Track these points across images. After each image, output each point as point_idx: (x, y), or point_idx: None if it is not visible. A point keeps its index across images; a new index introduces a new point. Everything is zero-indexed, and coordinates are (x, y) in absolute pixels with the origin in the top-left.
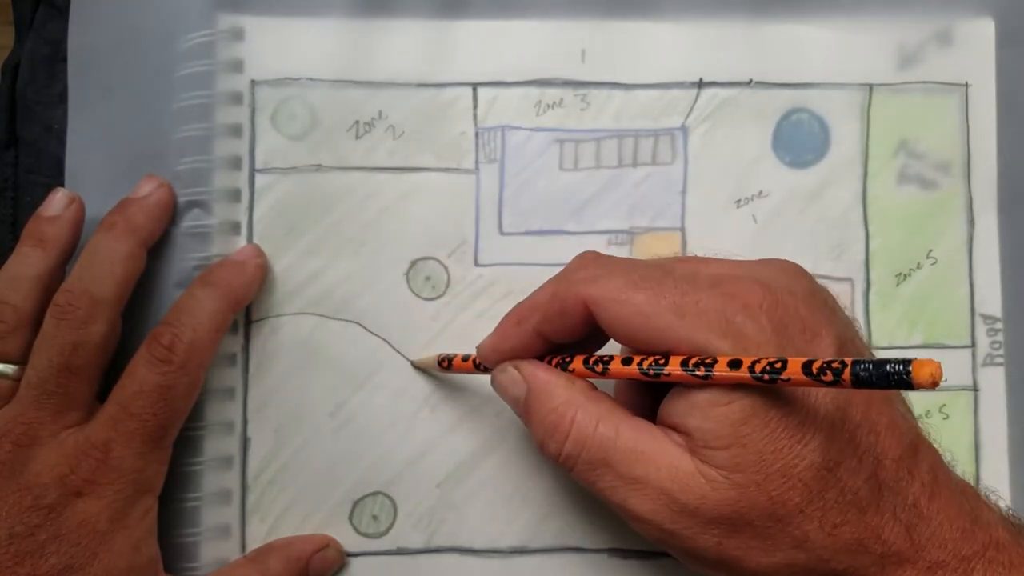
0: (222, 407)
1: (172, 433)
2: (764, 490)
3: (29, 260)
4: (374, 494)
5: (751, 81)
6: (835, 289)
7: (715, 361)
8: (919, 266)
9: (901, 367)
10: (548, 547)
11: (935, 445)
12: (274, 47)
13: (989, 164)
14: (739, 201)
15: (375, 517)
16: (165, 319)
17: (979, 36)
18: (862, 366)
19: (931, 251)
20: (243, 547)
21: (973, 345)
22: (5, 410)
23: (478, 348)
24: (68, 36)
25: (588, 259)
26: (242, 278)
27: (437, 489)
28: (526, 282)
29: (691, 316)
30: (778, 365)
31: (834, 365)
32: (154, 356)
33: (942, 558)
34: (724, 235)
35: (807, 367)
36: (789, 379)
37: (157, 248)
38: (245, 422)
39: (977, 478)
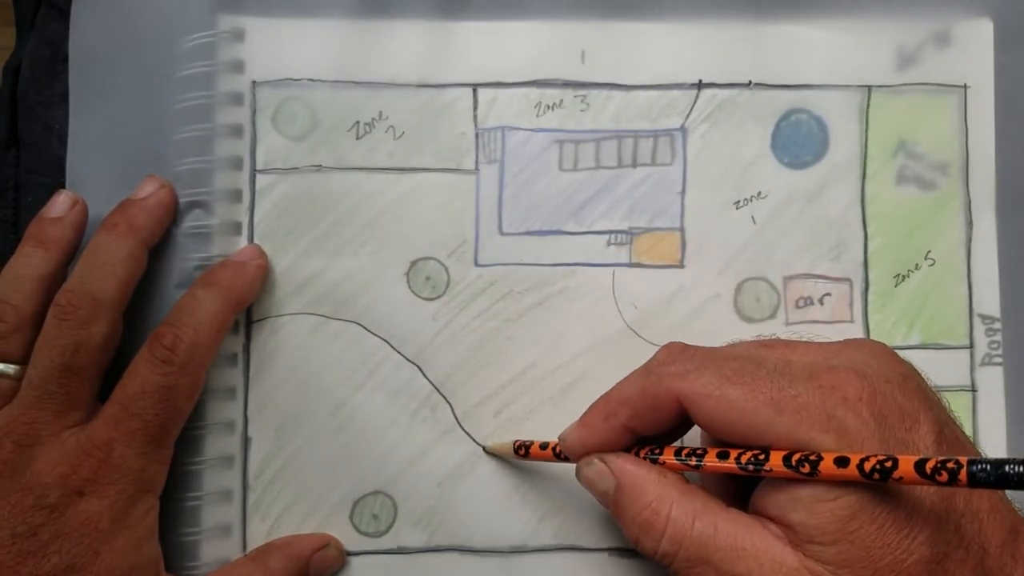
0: (223, 407)
1: (173, 433)
2: None
3: (31, 261)
4: (374, 493)
5: (750, 82)
6: (834, 289)
7: (820, 458)
8: (917, 266)
9: (1021, 468)
10: (547, 546)
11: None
12: (275, 48)
13: (987, 165)
14: (738, 202)
15: (375, 516)
16: (167, 319)
17: (977, 37)
18: (979, 467)
19: (929, 251)
20: (244, 546)
21: (971, 345)
22: (6, 410)
23: (562, 439)
24: (69, 37)
25: (676, 351)
26: (243, 278)
27: (437, 489)
28: (526, 282)
29: (790, 411)
30: (888, 464)
31: (949, 465)
32: (156, 356)
33: None
34: (723, 236)
35: (920, 467)
36: (901, 478)
37: (158, 248)
38: (246, 422)
39: None
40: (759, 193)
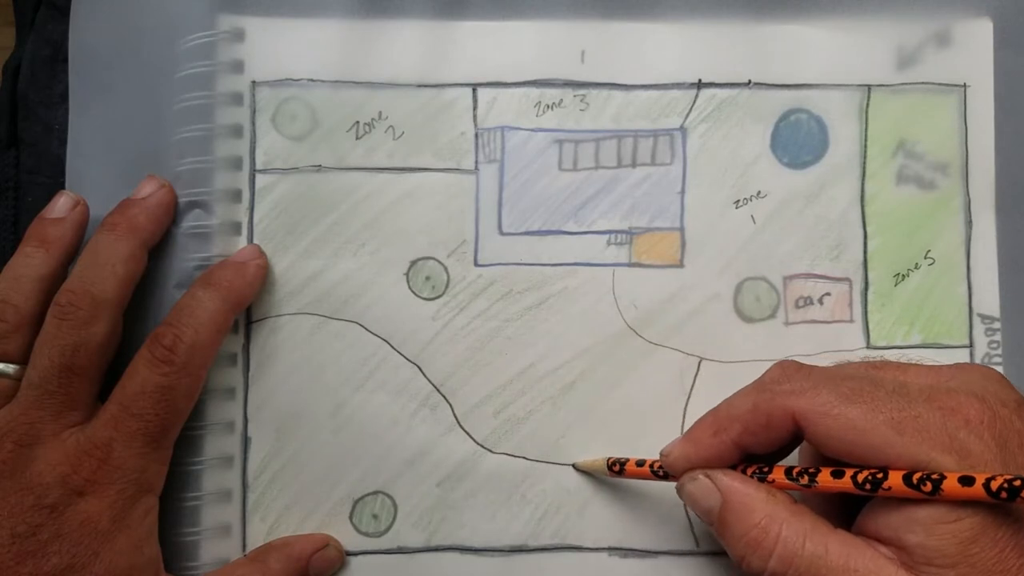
0: (222, 407)
1: (173, 433)
2: None
3: (32, 261)
4: (374, 493)
5: (750, 82)
6: (833, 289)
7: (943, 477)
8: (917, 266)
9: None
10: (547, 546)
11: None
12: (274, 48)
13: (987, 164)
14: (738, 201)
15: (375, 516)
16: (166, 320)
17: (977, 37)
18: None
19: (929, 251)
20: (243, 546)
21: (971, 345)
22: (6, 410)
23: (664, 455)
24: (69, 37)
25: (791, 370)
26: (243, 278)
27: (437, 488)
28: (526, 282)
29: (911, 432)
30: (1017, 483)
31: None
32: (155, 356)
33: None
34: (723, 236)
35: None
36: None
37: (158, 248)
38: (246, 422)
39: None
40: (759, 193)
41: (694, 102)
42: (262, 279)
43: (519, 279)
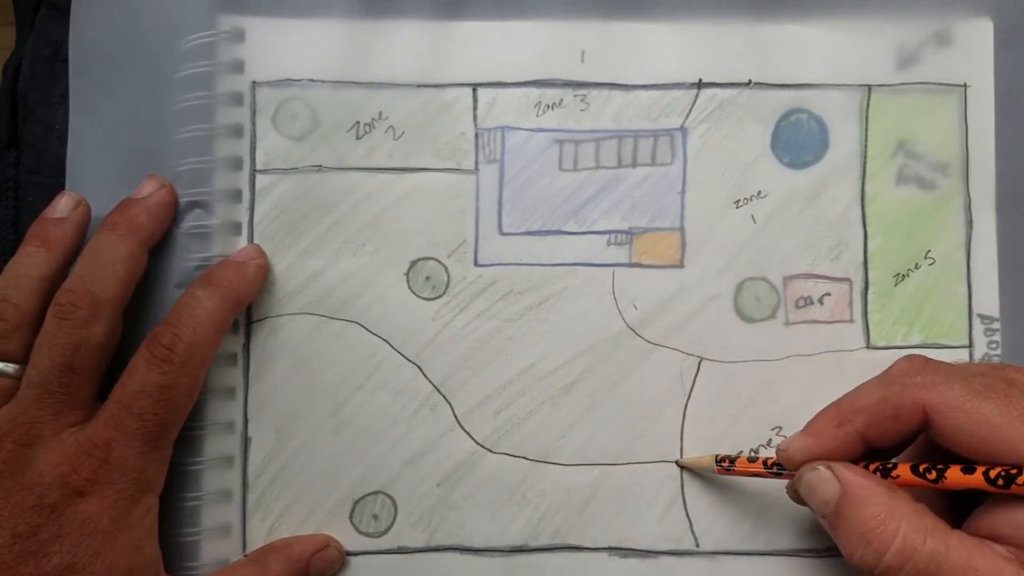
0: (223, 407)
1: (173, 433)
2: None
3: (33, 260)
4: (374, 493)
5: (750, 82)
6: (834, 289)
7: None
8: (917, 266)
9: None
10: (547, 546)
11: None
12: (275, 48)
13: (987, 164)
14: (738, 201)
15: (375, 516)
16: (166, 319)
17: (978, 37)
18: None
19: (929, 251)
20: (244, 546)
21: (971, 345)
22: (6, 409)
23: (782, 449)
24: (69, 37)
25: (919, 364)
26: (243, 278)
27: (437, 488)
28: (526, 282)
29: None
30: None
31: None
32: (155, 356)
33: None
34: (723, 236)
35: None
36: None
37: (158, 248)
38: (246, 422)
39: None
40: (759, 193)
41: (694, 102)
42: (262, 279)
43: (519, 279)
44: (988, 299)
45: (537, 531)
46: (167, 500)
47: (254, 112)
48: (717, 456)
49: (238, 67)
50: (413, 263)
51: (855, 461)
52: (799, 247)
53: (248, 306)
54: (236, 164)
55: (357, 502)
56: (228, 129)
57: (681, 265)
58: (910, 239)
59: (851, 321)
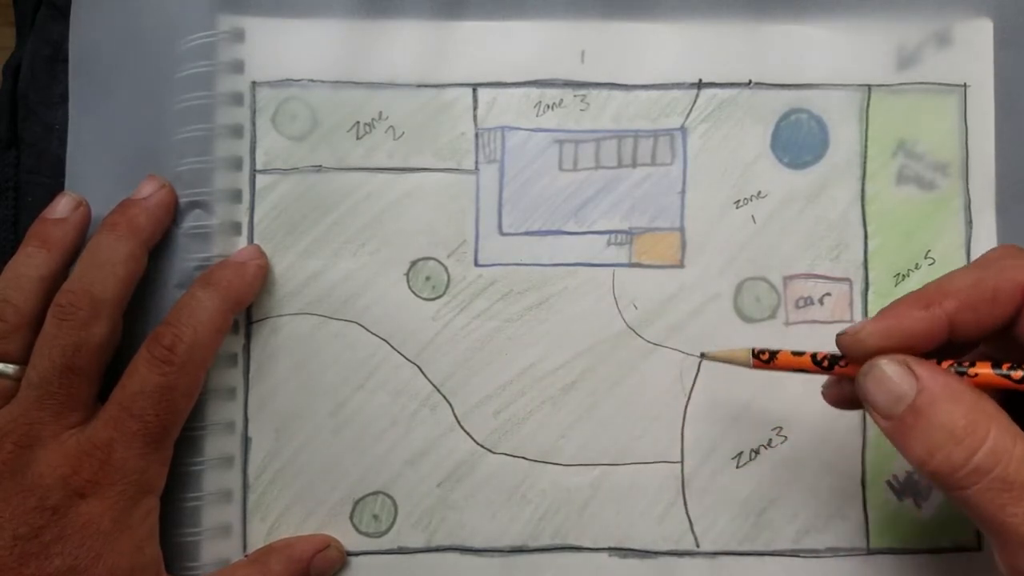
0: (223, 407)
1: (173, 433)
2: None
3: (33, 261)
4: (375, 494)
5: (750, 82)
6: (834, 289)
7: None
8: (917, 266)
9: None
10: (547, 546)
11: None
12: (275, 48)
13: (987, 164)
14: (738, 201)
15: (376, 516)
16: (166, 320)
17: (977, 37)
18: None
19: (929, 251)
20: (244, 547)
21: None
22: (6, 410)
23: (851, 333)
24: (69, 37)
25: (1015, 250)
26: (243, 278)
27: (437, 489)
28: (526, 282)
29: None
30: None
31: None
32: (155, 356)
33: None
34: (723, 236)
35: None
36: None
37: (158, 248)
38: (246, 422)
39: None
40: (759, 193)
41: (694, 102)
42: (262, 279)
43: (519, 279)
44: None
45: (537, 531)
46: (167, 500)
47: (254, 112)
48: (755, 349)
49: (238, 67)
50: (413, 263)
51: (927, 357)
52: (799, 247)
53: (248, 306)
54: (236, 164)
55: (357, 502)
56: (228, 129)
57: (681, 265)
58: (910, 239)
59: (851, 321)
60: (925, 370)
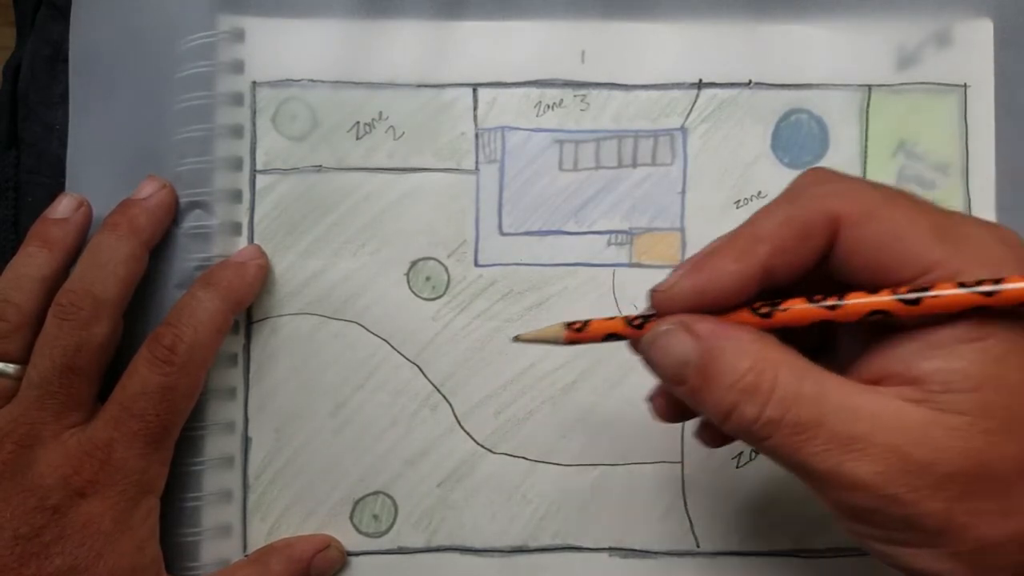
0: (223, 407)
1: (174, 434)
2: (1017, 437)
3: (35, 261)
4: (375, 494)
5: (750, 82)
6: None
7: (1001, 279)
8: None
9: None
10: (548, 546)
11: None
12: (275, 48)
13: (987, 165)
14: (738, 202)
15: (376, 517)
16: (166, 320)
17: (978, 37)
18: None
19: None
20: (244, 547)
21: None
22: (6, 410)
23: (661, 290)
24: (69, 37)
25: (823, 175)
26: (243, 279)
27: (437, 489)
28: (526, 282)
29: (952, 240)
30: None
31: None
32: (156, 357)
33: None
34: None
35: None
36: None
37: (158, 248)
38: (246, 422)
39: None
40: (759, 193)
41: (695, 102)
42: (262, 279)
43: (519, 279)
44: None
45: (537, 531)
46: (167, 501)
47: (254, 112)
48: (571, 324)
49: (238, 67)
50: (413, 263)
51: (747, 304)
52: None
53: (248, 306)
54: (236, 164)
55: (357, 502)
56: (228, 129)
57: None
58: None
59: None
60: (706, 328)
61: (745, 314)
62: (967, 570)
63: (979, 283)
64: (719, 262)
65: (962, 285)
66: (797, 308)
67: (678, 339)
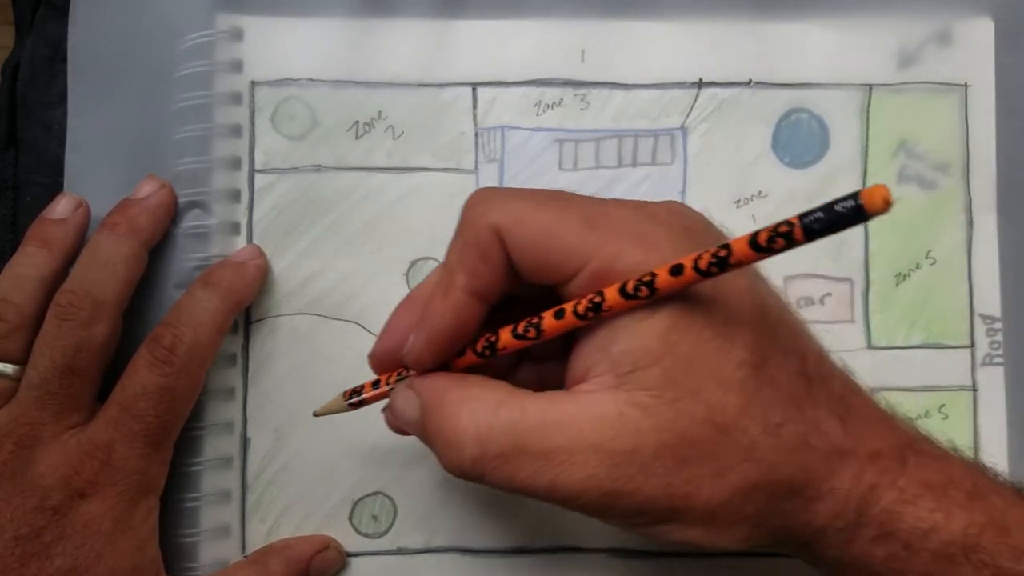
0: (222, 407)
1: (173, 434)
2: (701, 399)
3: (34, 261)
4: (374, 494)
5: (751, 81)
6: (835, 289)
7: (655, 275)
8: (918, 266)
9: (851, 202)
10: (547, 547)
11: None
12: (274, 47)
13: (988, 164)
14: (739, 201)
15: (375, 517)
16: (166, 320)
17: (978, 36)
18: (811, 217)
19: (930, 251)
20: (243, 547)
21: (972, 345)
22: (6, 410)
23: (406, 353)
24: (68, 36)
25: (483, 195)
26: (243, 279)
27: (437, 489)
28: None
29: (602, 227)
30: (723, 252)
31: (782, 229)
32: (155, 357)
33: (879, 447)
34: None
35: (754, 242)
36: (739, 261)
37: (157, 248)
38: (245, 422)
39: None
40: (760, 193)
41: (695, 102)
42: (262, 279)
43: None
44: (989, 299)
45: (537, 532)
46: (166, 501)
47: (253, 112)
48: (345, 393)
49: (237, 66)
50: (413, 263)
51: (481, 334)
52: (799, 247)
53: (247, 306)
54: (235, 164)
55: (357, 503)
56: (227, 129)
57: None
58: (911, 239)
59: (852, 321)
60: (420, 383)
61: (470, 356)
62: (712, 531)
63: (638, 287)
64: (433, 307)
65: (623, 291)
66: (508, 340)
67: (405, 399)
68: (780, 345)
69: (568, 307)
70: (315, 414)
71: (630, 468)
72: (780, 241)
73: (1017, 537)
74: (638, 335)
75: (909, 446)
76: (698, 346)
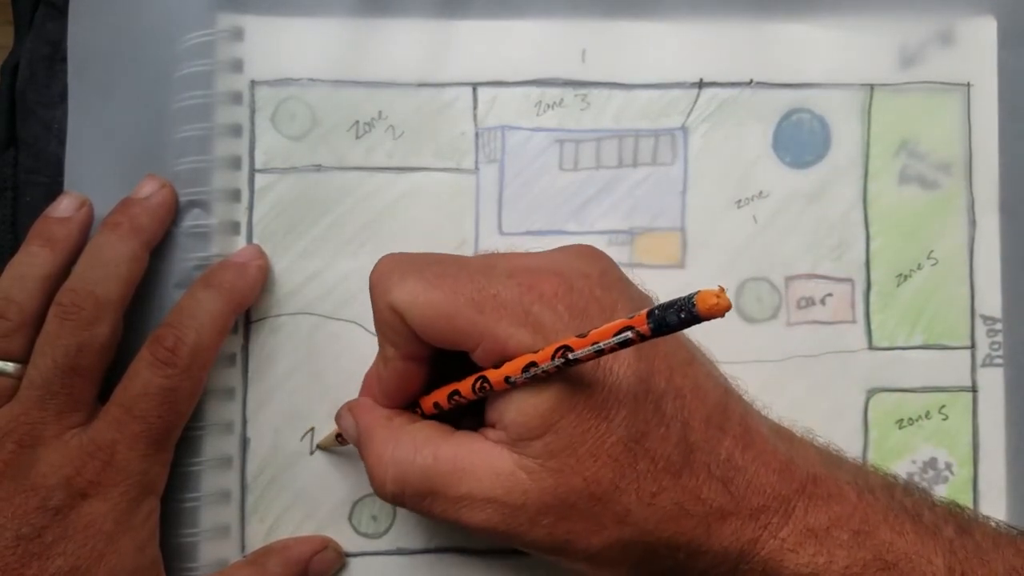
0: (221, 407)
1: (175, 435)
2: (578, 472)
3: (37, 260)
4: (373, 494)
5: (751, 81)
6: (836, 289)
7: (533, 363)
8: (920, 266)
9: (687, 302)
10: None
11: (745, 397)
12: (274, 47)
13: (990, 164)
14: (739, 201)
15: (374, 517)
16: (167, 320)
17: (981, 36)
18: (651, 321)
19: (932, 251)
20: (242, 547)
21: (973, 346)
22: (7, 409)
23: (357, 424)
24: (68, 36)
25: (384, 266)
26: (244, 280)
27: None
28: None
29: (490, 310)
30: (568, 355)
31: (624, 335)
32: (157, 358)
33: (762, 503)
34: (724, 236)
35: (597, 345)
36: (577, 358)
37: (157, 248)
38: (244, 422)
39: (975, 478)
40: (760, 193)
41: (695, 101)
42: (263, 280)
43: None
44: (990, 300)
45: None
46: (166, 501)
47: (253, 111)
48: (337, 432)
49: (237, 66)
50: None
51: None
52: (801, 247)
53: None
54: (235, 163)
55: (356, 503)
56: (227, 128)
57: (682, 265)
58: (912, 239)
59: (853, 322)
60: (361, 419)
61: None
62: (596, 569)
63: (524, 370)
64: (379, 374)
65: (508, 380)
66: (466, 392)
67: (346, 424)
68: (663, 417)
69: (469, 381)
70: (319, 446)
71: (519, 518)
72: (616, 347)
73: (902, 569)
74: (524, 412)
75: (801, 491)
76: (577, 425)
